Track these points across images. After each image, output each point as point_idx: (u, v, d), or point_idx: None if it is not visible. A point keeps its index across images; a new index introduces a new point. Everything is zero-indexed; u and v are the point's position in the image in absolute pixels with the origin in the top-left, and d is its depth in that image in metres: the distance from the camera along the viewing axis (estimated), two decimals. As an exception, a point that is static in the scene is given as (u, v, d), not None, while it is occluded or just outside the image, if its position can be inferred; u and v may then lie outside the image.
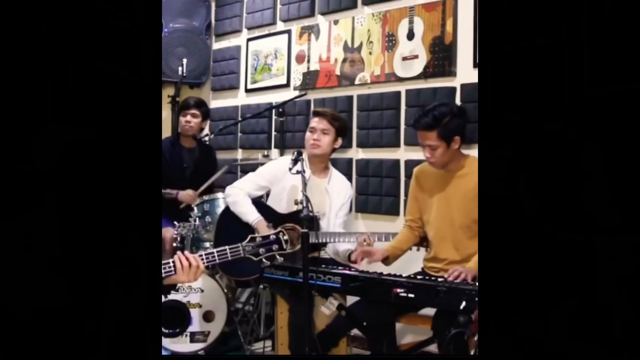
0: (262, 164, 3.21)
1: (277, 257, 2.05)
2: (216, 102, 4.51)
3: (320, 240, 2.77)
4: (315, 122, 2.98)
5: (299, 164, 2.59)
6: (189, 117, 3.60)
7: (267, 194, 3.10)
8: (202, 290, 3.11)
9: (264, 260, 2.04)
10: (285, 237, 2.07)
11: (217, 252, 2.02)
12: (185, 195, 3.43)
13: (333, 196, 3.02)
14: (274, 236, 2.06)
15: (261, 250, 2.04)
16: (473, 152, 2.91)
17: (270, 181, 3.01)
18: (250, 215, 2.87)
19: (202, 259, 1.95)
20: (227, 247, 2.04)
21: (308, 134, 2.99)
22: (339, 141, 3.06)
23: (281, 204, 2.97)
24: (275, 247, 2.05)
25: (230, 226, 2.93)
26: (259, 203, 2.99)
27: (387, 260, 2.77)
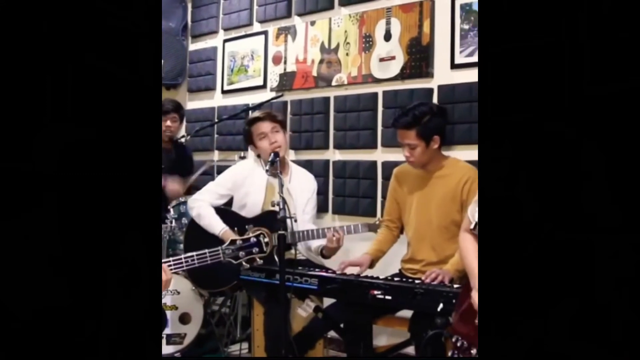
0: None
1: (257, 259, 2.05)
2: (193, 104, 4.52)
3: (292, 241, 2.77)
4: (263, 127, 2.95)
5: (276, 165, 2.61)
6: (169, 122, 3.64)
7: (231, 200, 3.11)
8: (178, 292, 3.11)
9: (243, 263, 2.04)
10: (266, 240, 2.07)
11: (197, 255, 2.01)
12: (172, 184, 3.43)
13: (296, 194, 3.02)
14: (254, 239, 2.06)
15: (241, 253, 2.04)
16: (453, 153, 2.92)
17: (230, 188, 3.01)
18: (216, 227, 2.87)
19: (181, 263, 1.95)
20: (207, 250, 2.04)
21: (262, 142, 2.94)
22: (287, 134, 3.05)
23: (246, 209, 2.97)
24: (255, 249, 2.05)
25: (199, 231, 2.93)
26: (225, 210, 2.99)
27: (371, 264, 2.78)
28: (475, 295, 1.79)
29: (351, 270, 2.65)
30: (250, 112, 3.79)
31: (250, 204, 2.95)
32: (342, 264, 2.71)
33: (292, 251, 2.73)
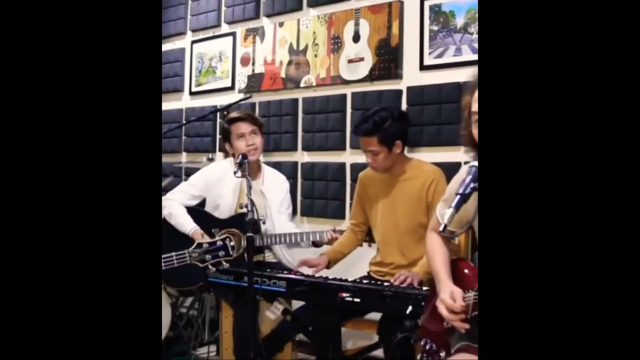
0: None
1: (223, 262, 2.05)
2: (160, 105, 4.53)
3: (265, 243, 2.77)
4: (242, 127, 2.95)
5: (244, 167, 2.61)
6: None
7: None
8: None
9: (209, 266, 2.04)
10: (232, 243, 2.07)
11: (163, 258, 2.01)
12: None
13: (270, 196, 3.01)
14: (221, 242, 2.06)
15: (207, 256, 2.03)
16: (421, 155, 2.92)
17: (203, 189, 3.01)
18: (186, 225, 2.87)
19: None
20: (173, 253, 2.03)
21: (239, 142, 2.94)
22: (263, 138, 3.07)
23: (219, 210, 2.97)
24: (221, 253, 2.05)
25: (170, 231, 2.92)
26: (198, 210, 2.99)
27: (328, 265, 2.77)
28: (439, 304, 1.76)
29: (319, 272, 2.65)
30: (218, 113, 3.78)
31: (223, 206, 2.96)
32: (299, 262, 2.73)
33: (262, 253, 2.74)
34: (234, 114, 3.09)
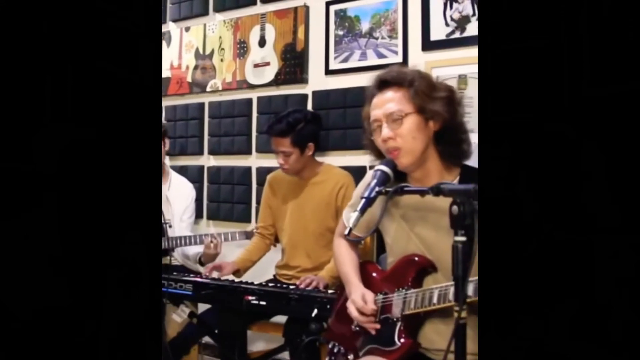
0: None
1: None
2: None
3: (168, 246, 2.78)
4: None
5: None
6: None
7: None
8: None
9: None
10: None
11: None
12: None
13: (174, 201, 3.01)
14: None
15: None
16: (327, 159, 2.96)
17: None
18: None
19: None
20: None
21: None
22: (167, 142, 3.07)
23: None
24: None
25: None
26: None
27: (237, 273, 2.78)
28: (350, 305, 1.76)
29: (226, 276, 2.66)
30: None
31: None
32: (206, 268, 2.72)
33: (168, 257, 2.75)
34: None
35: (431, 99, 1.66)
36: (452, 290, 1.50)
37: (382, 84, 1.72)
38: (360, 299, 1.73)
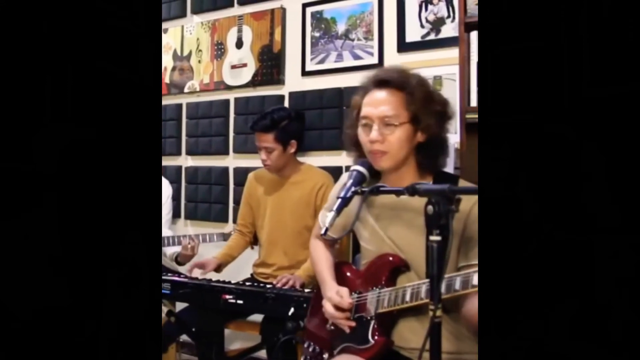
0: None
1: None
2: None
3: None
4: None
5: None
6: None
7: None
8: None
9: None
10: None
11: None
12: None
13: None
14: None
15: None
16: (304, 159, 2.97)
17: None
18: None
19: None
20: None
21: None
22: None
23: None
24: None
25: None
26: None
27: (218, 268, 2.82)
28: (325, 303, 1.77)
29: (204, 275, 2.68)
30: None
31: None
32: (189, 265, 2.75)
33: None
34: None
35: (427, 110, 1.66)
36: (424, 288, 1.53)
37: (381, 83, 1.72)
38: (335, 295, 1.73)
